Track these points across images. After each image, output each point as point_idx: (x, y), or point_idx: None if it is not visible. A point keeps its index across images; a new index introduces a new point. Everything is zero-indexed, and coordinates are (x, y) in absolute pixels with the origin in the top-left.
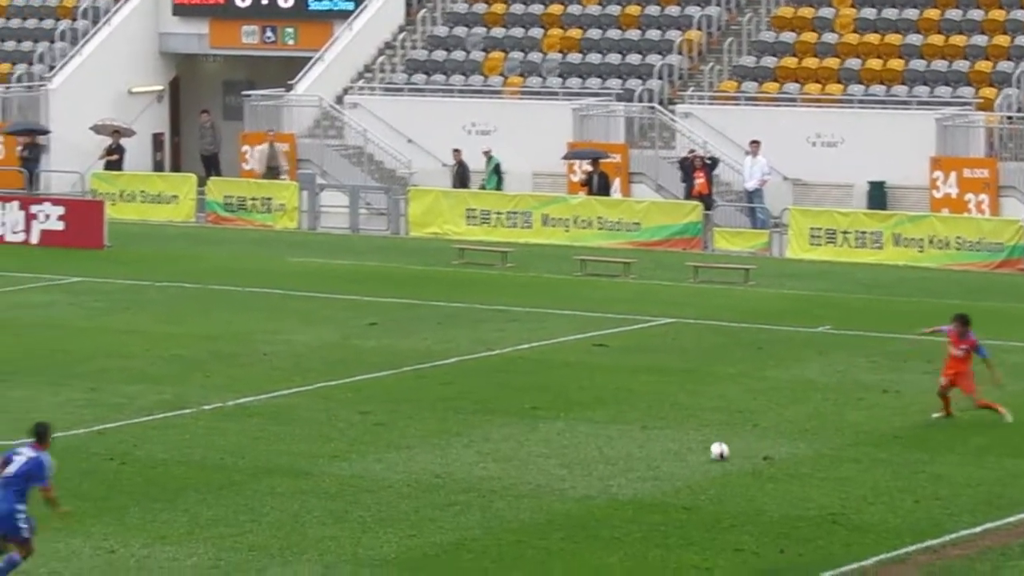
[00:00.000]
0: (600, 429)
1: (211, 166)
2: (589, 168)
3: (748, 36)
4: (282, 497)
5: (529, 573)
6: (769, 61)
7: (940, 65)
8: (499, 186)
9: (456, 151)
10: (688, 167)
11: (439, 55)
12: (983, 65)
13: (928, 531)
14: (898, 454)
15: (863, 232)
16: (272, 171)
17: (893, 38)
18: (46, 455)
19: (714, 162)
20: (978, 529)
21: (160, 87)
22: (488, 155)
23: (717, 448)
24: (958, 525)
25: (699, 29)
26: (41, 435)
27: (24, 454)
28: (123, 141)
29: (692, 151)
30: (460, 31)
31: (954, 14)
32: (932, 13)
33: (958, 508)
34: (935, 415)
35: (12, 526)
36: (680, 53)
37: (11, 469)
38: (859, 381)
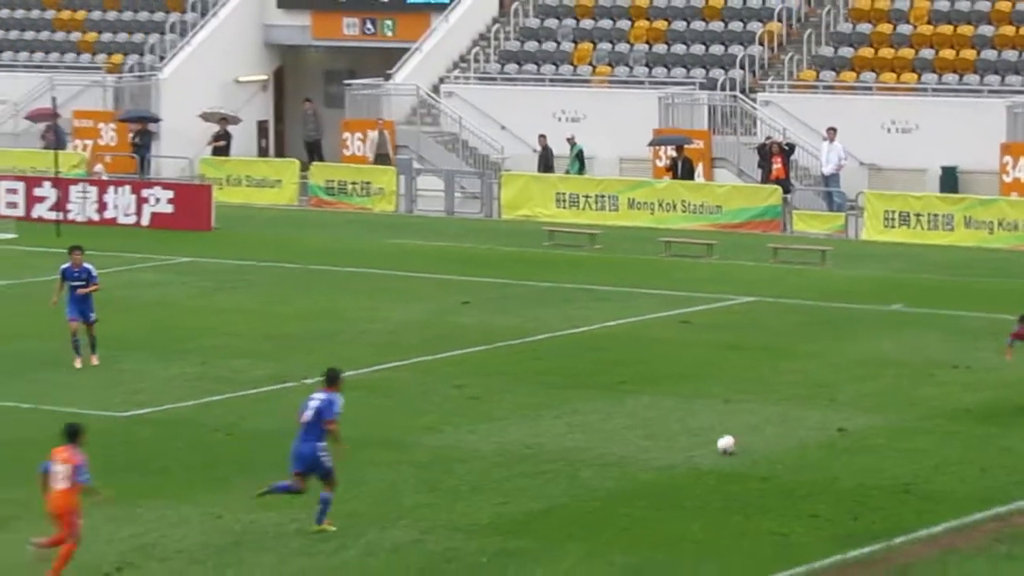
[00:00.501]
0: (683, 402)
1: (314, 152)
2: (673, 154)
3: (826, 27)
4: (380, 467)
5: (614, 539)
6: (846, 51)
7: (1010, 55)
8: (581, 171)
9: (541, 137)
10: (766, 153)
11: (531, 46)
12: None
13: (996, 499)
14: (968, 427)
15: (935, 215)
16: (382, 157)
17: (965, 29)
18: (337, 395)
19: (791, 148)
20: None
21: (265, 77)
22: (572, 142)
23: (723, 442)
24: None
25: (779, 21)
26: (332, 379)
27: (317, 397)
28: (230, 128)
29: (768, 137)
30: (551, 23)
31: None
32: (1003, 5)
33: None
34: None
35: (318, 464)
36: (761, 44)
37: (308, 414)
38: (931, 357)
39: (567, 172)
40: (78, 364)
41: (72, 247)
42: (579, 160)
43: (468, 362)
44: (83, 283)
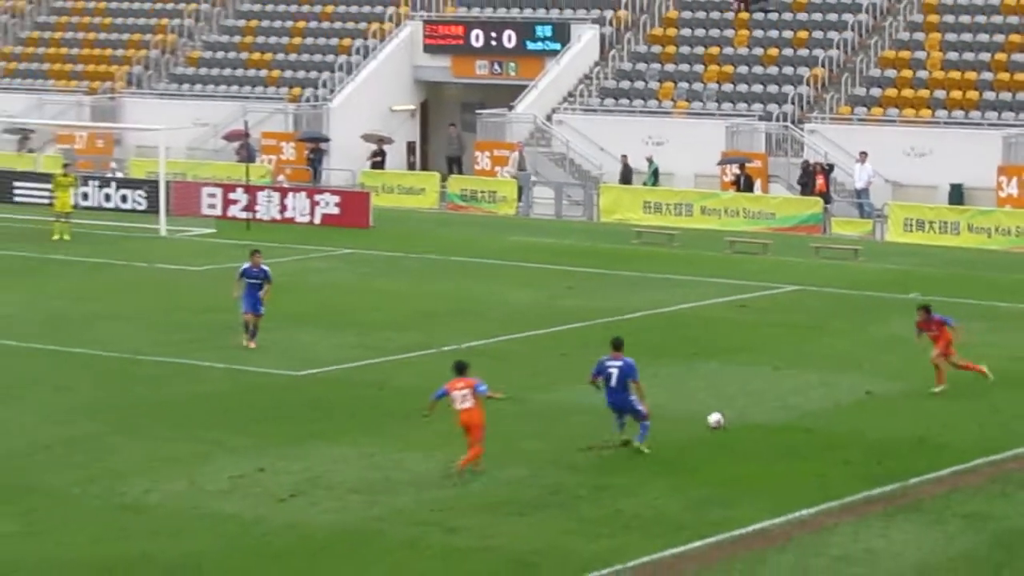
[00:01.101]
0: (741, 369)
1: (454, 166)
2: (737, 171)
3: (860, 72)
4: (501, 418)
5: (687, 478)
6: (876, 91)
7: (1006, 96)
8: (655, 184)
9: (623, 156)
10: (811, 172)
11: (625, 84)
12: None
13: (991, 449)
14: (968, 392)
15: (945, 222)
16: (521, 173)
17: (970, 75)
18: (630, 359)
19: (831, 167)
20: None
21: (413, 107)
22: (649, 160)
23: (714, 417)
24: (1016, 445)
25: (823, 67)
26: (618, 345)
27: (614, 364)
28: (385, 147)
29: (805, 161)
30: (641, 66)
31: (1019, 57)
32: (1000, 56)
33: (1015, 432)
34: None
35: (631, 408)
36: (808, 85)
37: (615, 377)
38: None
39: (644, 184)
40: (248, 343)
41: (253, 250)
42: (655, 175)
43: (570, 336)
44: (259, 282)
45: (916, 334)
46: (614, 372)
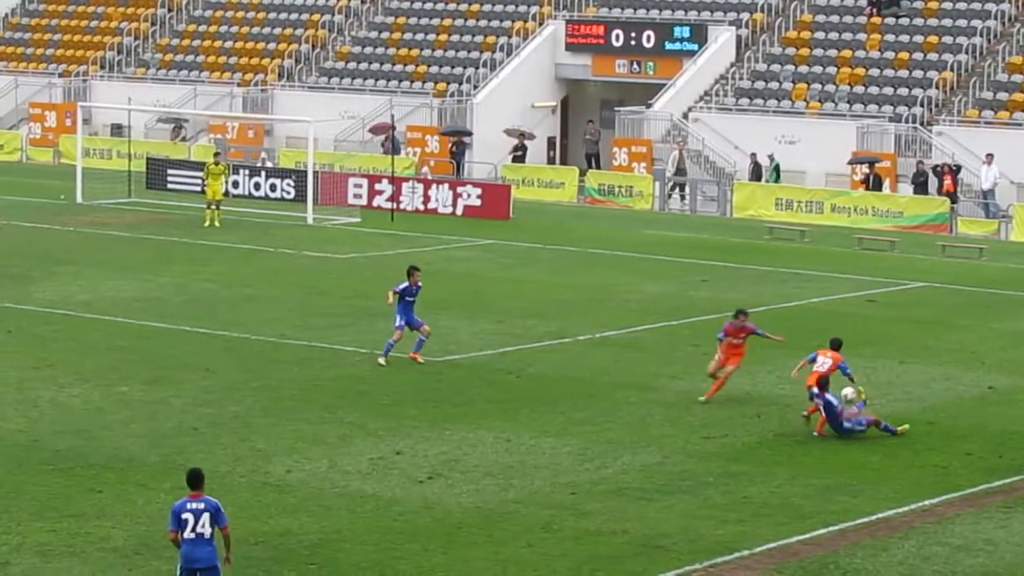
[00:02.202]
0: (868, 362)
1: (593, 161)
2: (867, 170)
3: (988, 76)
4: (633, 405)
5: (812, 466)
6: (1002, 95)
7: None
8: (778, 180)
9: (752, 154)
10: (926, 173)
11: (759, 84)
12: None
13: None
14: None
15: None
16: (680, 172)
17: None
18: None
19: (958, 168)
20: None
21: (554, 103)
22: (771, 158)
23: (848, 391)
24: None
25: (951, 70)
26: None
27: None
28: (526, 142)
29: (919, 161)
30: (775, 67)
31: None
32: None
33: None
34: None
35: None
36: (937, 88)
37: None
38: None
39: (766, 181)
40: (382, 362)
41: (412, 268)
42: (776, 172)
43: (703, 327)
44: (414, 299)
45: (719, 340)
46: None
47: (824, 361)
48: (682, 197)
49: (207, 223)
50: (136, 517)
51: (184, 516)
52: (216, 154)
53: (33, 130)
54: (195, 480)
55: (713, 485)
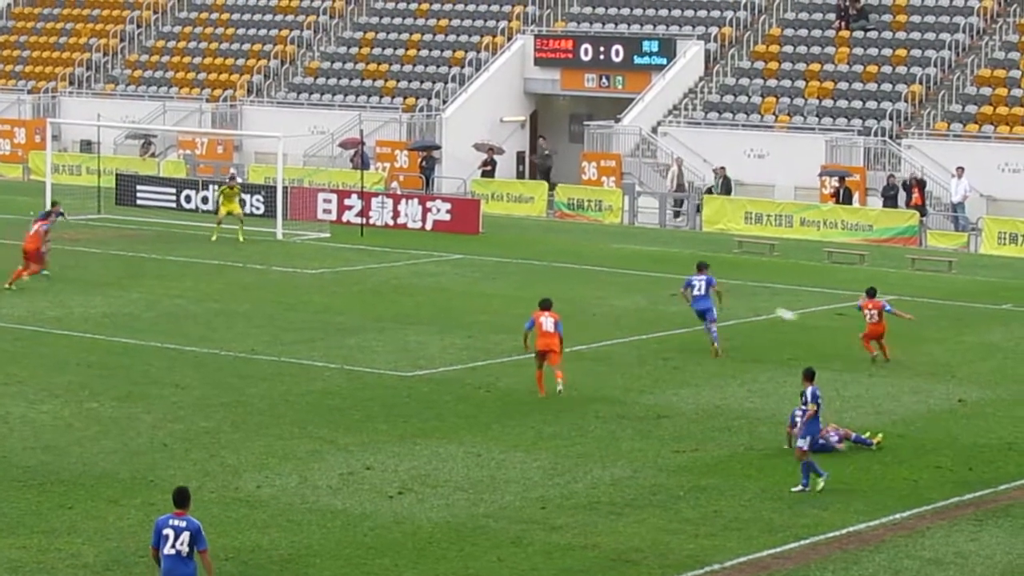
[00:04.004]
0: (837, 375)
1: (546, 176)
2: (836, 184)
3: (956, 90)
4: (603, 419)
5: (783, 480)
6: (971, 108)
7: None
8: (728, 193)
9: (721, 168)
10: (895, 187)
11: (728, 98)
12: None
13: None
14: None
15: None
16: (680, 188)
17: None
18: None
19: (923, 182)
20: None
21: (523, 118)
22: (716, 172)
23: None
24: None
25: (920, 84)
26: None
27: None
28: (495, 157)
29: (890, 174)
30: (744, 81)
31: None
32: None
33: None
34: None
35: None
36: (906, 101)
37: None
38: None
39: (710, 191)
40: None
41: (700, 262)
42: (726, 185)
43: (672, 340)
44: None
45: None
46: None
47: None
48: (676, 214)
49: (214, 238)
50: (107, 533)
51: (165, 532)
52: (232, 177)
53: (2, 146)
54: (180, 499)
55: (684, 499)
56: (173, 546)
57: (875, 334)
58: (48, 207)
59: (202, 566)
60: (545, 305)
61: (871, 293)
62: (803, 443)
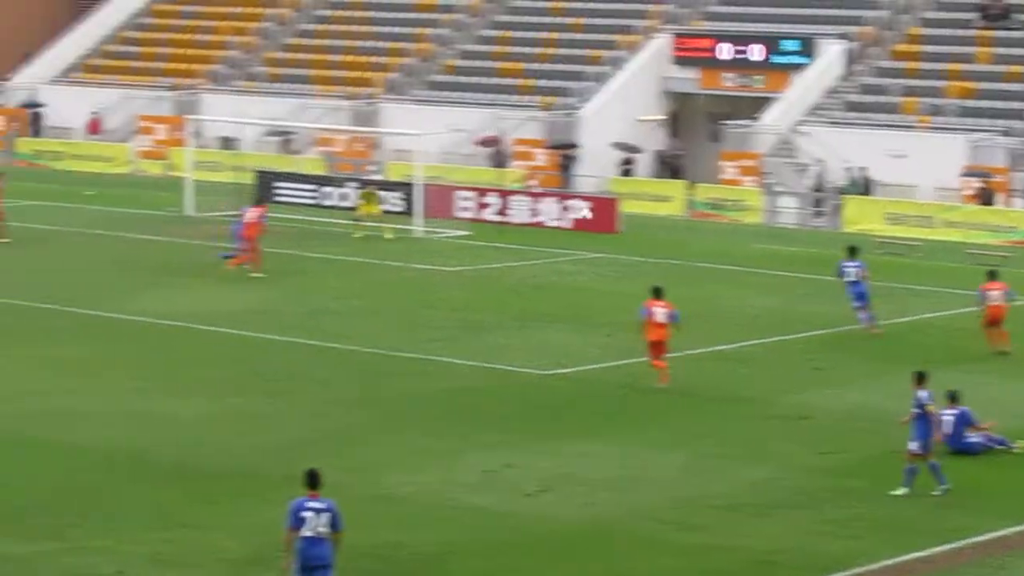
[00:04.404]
0: (979, 378)
1: (677, 175)
2: (979, 185)
3: None
4: (745, 420)
5: (924, 483)
6: None
7: None
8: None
9: (861, 168)
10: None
11: (868, 98)
12: None
13: None
14: None
15: None
16: (820, 188)
17: None
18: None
19: None
20: None
21: (662, 117)
22: (850, 170)
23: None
24: None
25: None
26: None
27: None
28: (634, 156)
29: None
30: (885, 81)
31: None
32: None
33: None
34: None
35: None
36: None
37: (948, 427)
38: None
39: (843, 191)
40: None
41: (851, 246)
42: (862, 185)
43: (814, 341)
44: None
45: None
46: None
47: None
48: (816, 214)
49: (358, 235)
50: (251, 528)
51: (303, 514)
52: (370, 182)
53: (143, 143)
54: (314, 480)
55: (827, 501)
56: (313, 528)
57: (995, 317)
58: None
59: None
60: (657, 294)
61: (993, 275)
62: (914, 446)
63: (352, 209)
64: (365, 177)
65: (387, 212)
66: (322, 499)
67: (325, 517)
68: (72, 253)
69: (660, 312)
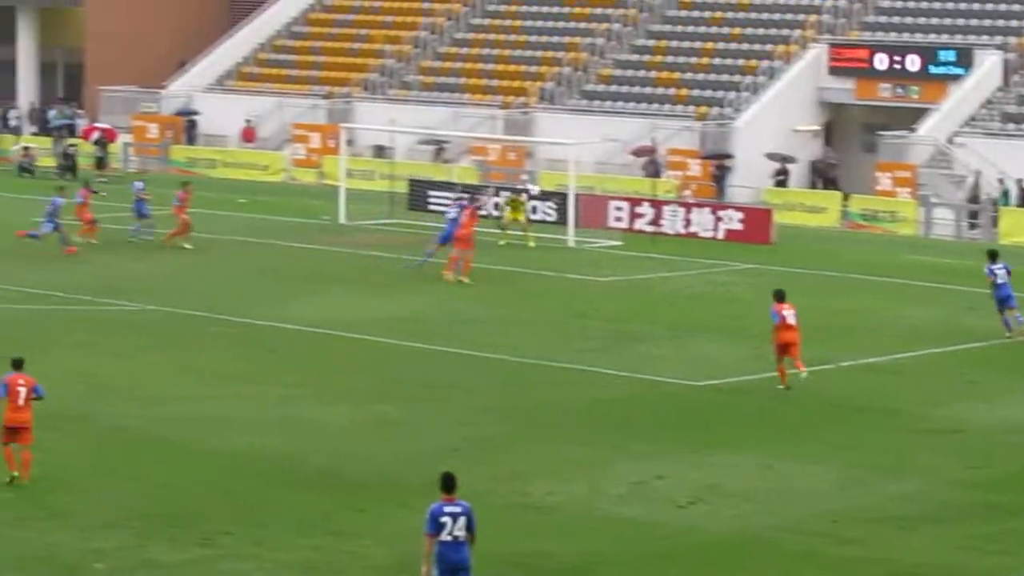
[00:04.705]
0: None
1: (831, 185)
2: None
3: None
4: (896, 432)
5: None
6: None
7: None
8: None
9: (1019, 180)
10: None
11: None
12: None
13: None
14: None
15: None
16: (974, 200)
17: None
18: None
19: None
20: None
21: (816, 127)
22: (1001, 181)
23: None
24: None
25: None
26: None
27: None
28: (788, 166)
29: None
30: None
31: None
32: None
33: None
34: None
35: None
36: None
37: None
38: None
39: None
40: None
41: (991, 251)
42: (1005, 196)
43: (969, 354)
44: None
45: None
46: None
47: None
48: (971, 226)
49: (503, 243)
50: (396, 536)
51: (442, 520)
52: (522, 188)
53: (297, 151)
54: (450, 484)
55: (977, 516)
56: (451, 532)
57: None
58: (461, 194)
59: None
60: (782, 297)
61: None
62: None
63: (497, 218)
64: (518, 186)
65: (539, 221)
66: (458, 502)
67: (462, 520)
68: (225, 261)
69: (790, 314)
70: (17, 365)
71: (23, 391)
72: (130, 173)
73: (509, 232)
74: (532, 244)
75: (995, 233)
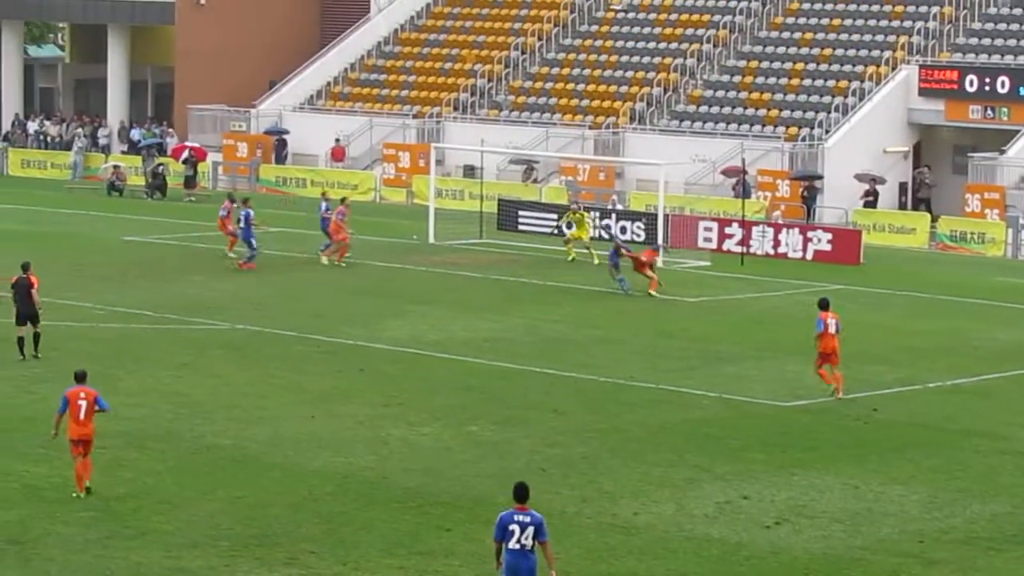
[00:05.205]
0: None
1: (925, 206)
2: None
3: None
4: (983, 454)
5: None
6: None
7: None
8: None
9: None
10: None
11: None
12: None
13: None
14: None
15: None
16: None
17: None
18: None
19: None
20: None
21: (906, 148)
22: None
23: None
24: None
25: None
26: None
27: None
28: (877, 187)
29: None
30: None
31: None
32: None
33: None
34: None
35: None
36: None
37: None
38: None
39: None
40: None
41: None
42: None
43: None
44: None
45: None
46: None
47: None
48: None
49: (570, 257)
50: (483, 556)
51: (511, 527)
52: (576, 204)
53: (387, 170)
54: (523, 493)
55: None
56: (518, 541)
57: None
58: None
59: (543, 557)
60: (826, 305)
61: None
62: None
63: (563, 234)
64: (609, 207)
65: (628, 241)
66: (529, 512)
67: (530, 530)
68: (315, 280)
69: (832, 323)
70: (80, 378)
71: (84, 404)
72: (218, 192)
73: (572, 249)
74: (597, 262)
75: None
